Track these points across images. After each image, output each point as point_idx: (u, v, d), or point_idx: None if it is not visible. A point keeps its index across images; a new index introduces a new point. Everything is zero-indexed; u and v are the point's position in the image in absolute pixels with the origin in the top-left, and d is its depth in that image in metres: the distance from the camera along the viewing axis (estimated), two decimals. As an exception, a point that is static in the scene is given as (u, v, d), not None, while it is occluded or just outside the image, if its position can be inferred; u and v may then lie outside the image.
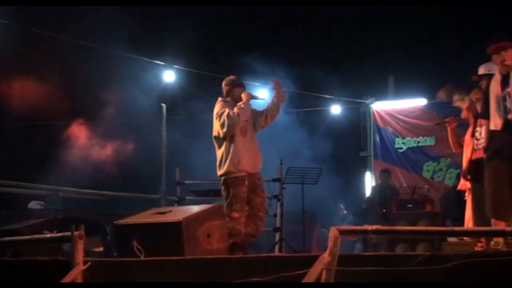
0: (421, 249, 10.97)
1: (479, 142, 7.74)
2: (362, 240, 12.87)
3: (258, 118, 8.21)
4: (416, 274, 4.55)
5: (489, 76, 7.67)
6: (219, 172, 8.06)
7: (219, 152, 8.07)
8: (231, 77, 8.48)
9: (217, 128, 7.99)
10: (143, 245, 6.15)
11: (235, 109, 7.91)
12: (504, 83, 6.78)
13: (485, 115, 6.98)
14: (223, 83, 8.42)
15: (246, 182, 7.92)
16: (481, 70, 7.90)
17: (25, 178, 12.31)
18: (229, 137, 7.96)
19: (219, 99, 8.24)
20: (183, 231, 6.19)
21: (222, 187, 8.08)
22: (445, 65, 13.92)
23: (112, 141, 13.56)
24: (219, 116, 7.96)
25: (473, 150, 7.88)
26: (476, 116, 7.99)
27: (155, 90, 13.51)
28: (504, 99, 6.75)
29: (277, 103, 8.22)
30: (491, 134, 6.91)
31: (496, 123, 6.80)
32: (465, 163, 8.35)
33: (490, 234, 6.29)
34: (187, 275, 5.34)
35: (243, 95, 8.13)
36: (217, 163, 8.09)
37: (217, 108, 8.08)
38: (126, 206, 11.60)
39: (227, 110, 7.89)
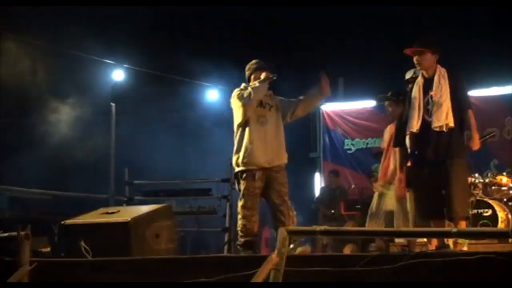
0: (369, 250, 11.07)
1: None
2: (311, 240, 12.93)
3: (287, 107, 7.63)
4: (364, 275, 4.58)
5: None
6: (233, 163, 7.53)
7: (235, 142, 7.50)
8: (252, 61, 7.74)
9: (235, 115, 7.50)
10: (90, 245, 6.10)
11: (248, 88, 7.41)
12: (427, 87, 6.94)
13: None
14: (246, 69, 7.75)
15: (259, 177, 7.28)
16: (408, 75, 8.06)
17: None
18: (243, 126, 7.39)
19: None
20: (131, 231, 6.15)
21: (234, 180, 7.62)
22: (394, 67, 14.04)
23: (61, 140, 13.42)
24: (233, 100, 7.49)
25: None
26: None
27: (104, 89, 13.41)
28: (428, 103, 6.89)
29: (317, 95, 7.70)
30: (411, 137, 7.07)
31: (413, 124, 6.96)
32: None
33: (437, 235, 6.37)
34: (135, 275, 5.31)
35: (262, 75, 7.52)
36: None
37: (233, 94, 7.54)
38: (74, 206, 11.48)
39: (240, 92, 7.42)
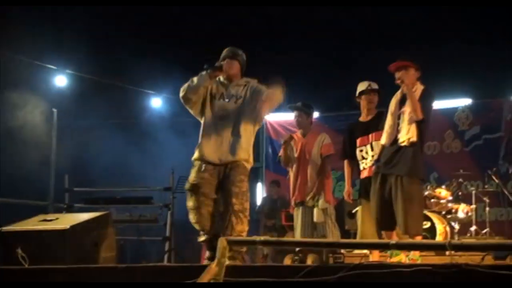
0: (309, 261, 11.11)
1: (367, 161, 7.94)
2: (251, 251, 12.93)
3: (254, 100, 7.00)
4: (303, 285, 4.59)
5: (372, 91, 8.03)
6: None
7: None
8: None
9: None
10: (28, 253, 6.01)
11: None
12: (402, 102, 7.09)
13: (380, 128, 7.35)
14: None
15: (208, 169, 6.73)
16: (362, 87, 8.17)
17: None
18: (202, 120, 6.96)
19: None
20: (69, 239, 6.09)
21: None
22: (338, 79, 14.14)
23: None
24: None
25: (362, 169, 8.06)
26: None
27: (46, 95, 13.24)
28: (398, 117, 7.04)
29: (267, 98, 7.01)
30: (382, 149, 7.24)
31: (384, 138, 7.13)
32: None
33: (375, 247, 6.44)
34: (73, 284, 5.25)
35: None
36: None
37: None
38: (12, 213, 11.31)
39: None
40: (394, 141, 7.06)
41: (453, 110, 12.84)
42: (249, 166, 6.84)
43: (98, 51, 13.66)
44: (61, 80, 13.29)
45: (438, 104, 12.70)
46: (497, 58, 12.28)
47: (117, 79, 14.30)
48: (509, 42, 12.44)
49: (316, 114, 14.31)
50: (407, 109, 7.01)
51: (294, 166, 9.04)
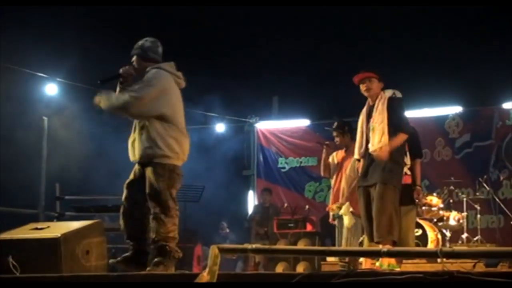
0: (301, 268, 11.13)
1: None
2: (243, 259, 12.92)
3: None
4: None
5: None
6: None
7: None
8: None
9: None
10: (19, 262, 5.98)
11: None
12: (369, 114, 7.16)
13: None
14: None
15: (134, 170, 6.69)
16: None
17: None
18: None
19: None
20: (61, 248, 6.06)
21: None
22: (328, 87, 14.16)
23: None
24: None
25: None
26: None
27: (37, 103, 13.20)
28: (368, 129, 7.10)
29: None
30: (356, 164, 7.36)
31: (356, 152, 7.25)
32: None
33: (366, 255, 6.43)
34: (63, 292, 5.24)
35: None
36: None
37: None
38: (1, 221, 11.27)
39: None
40: (367, 153, 7.12)
41: (444, 118, 12.88)
42: (166, 160, 6.41)
43: (89, 59, 13.64)
44: (51, 88, 13.25)
45: (429, 112, 12.77)
46: (488, 66, 12.33)
47: (107, 87, 14.25)
48: (500, 50, 12.48)
49: (306, 123, 14.41)
50: (375, 119, 7.06)
51: (334, 177, 9.09)
